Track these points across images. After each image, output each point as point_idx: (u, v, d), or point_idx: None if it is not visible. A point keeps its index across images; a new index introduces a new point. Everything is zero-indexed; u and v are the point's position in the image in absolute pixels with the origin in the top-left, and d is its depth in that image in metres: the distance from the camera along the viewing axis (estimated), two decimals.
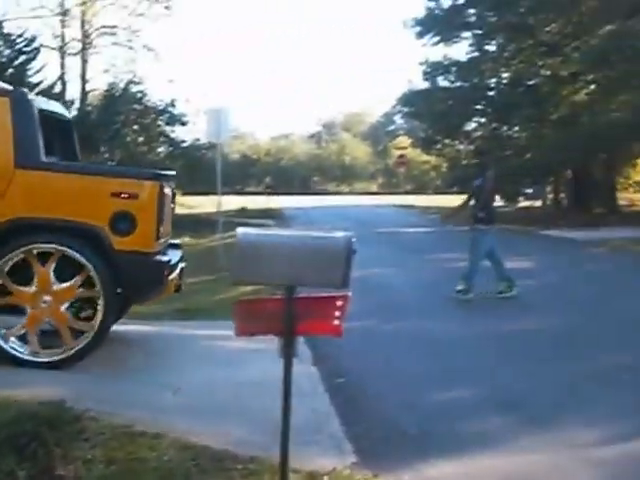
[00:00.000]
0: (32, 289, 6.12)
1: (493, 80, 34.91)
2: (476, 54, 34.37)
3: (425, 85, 34.44)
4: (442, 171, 47.97)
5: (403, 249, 18.50)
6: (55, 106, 7.64)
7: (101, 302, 6.11)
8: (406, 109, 37.64)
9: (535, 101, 30.93)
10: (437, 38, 33.64)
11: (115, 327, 6.96)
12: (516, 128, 34.82)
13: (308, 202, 39.70)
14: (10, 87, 6.70)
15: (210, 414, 5.25)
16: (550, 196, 36.62)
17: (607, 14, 26.96)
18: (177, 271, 6.84)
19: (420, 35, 33.75)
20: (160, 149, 25.97)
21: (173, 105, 29.25)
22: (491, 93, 33.47)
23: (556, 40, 32.80)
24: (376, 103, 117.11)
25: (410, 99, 35.06)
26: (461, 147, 36.92)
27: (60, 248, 6.05)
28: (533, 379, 6.57)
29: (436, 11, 33.41)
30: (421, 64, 34.07)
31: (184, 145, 29.83)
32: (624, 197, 38.93)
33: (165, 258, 6.51)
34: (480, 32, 33.89)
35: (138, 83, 26.64)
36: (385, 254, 16.82)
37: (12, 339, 6.15)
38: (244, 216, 28.35)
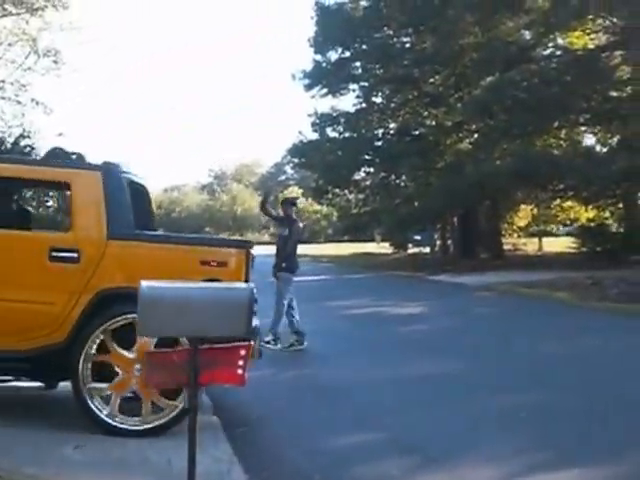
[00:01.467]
0: (130, 355, 6.08)
1: (380, 130, 35.89)
2: (363, 105, 35.36)
3: (314, 136, 35.08)
4: (333, 220, 48.65)
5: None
6: (136, 176, 7.69)
7: None
8: (296, 160, 38.22)
9: (421, 150, 31.93)
10: (325, 90, 34.45)
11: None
12: (404, 177, 35.77)
13: None
14: (100, 163, 6.71)
15: (113, 467, 5.22)
16: (438, 242, 37.67)
17: (488, 66, 28.16)
18: (258, 337, 6.86)
19: (309, 87, 34.48)
20: (49, 203, 25.48)
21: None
22: (379, 143, 34.34)
23: (440, 91, 34.07)
24: (266, 154, 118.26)
25: (300, 150, 35.61)
26: (351, 196, 37.63)
27: None
28: (432, 422, 6.76)
29: (323, 64, 34.22)
30: (310, 115, 34.74)
31: None
32: (509, 242, 40.40)
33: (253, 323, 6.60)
34: (366, 84, 34.89)
35: (27, 137, 26.18)
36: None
37: (97, 398, 6.12)
38: None
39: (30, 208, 8.17)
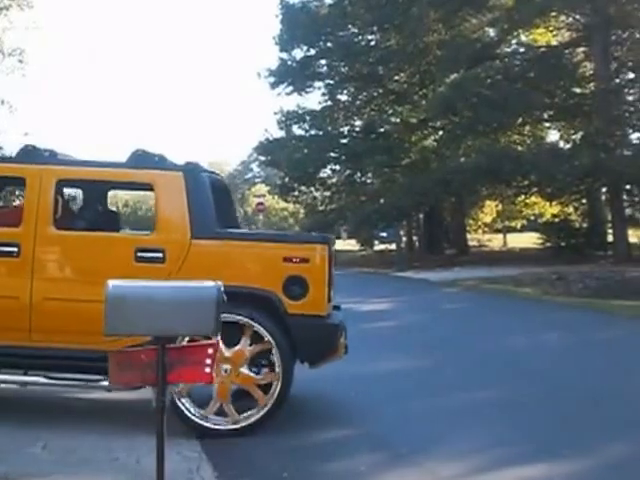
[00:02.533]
0: (227, 353, 6.13)
1: (346, 128, 36.00)
2: (329, 103, 35.45)
3: (281, 134, 35.08)
4: (300, 217, 48.68)
5: None
6: (217, 175, 7.75)
7: (279, 371, 6.16)
8: (262, 157, 38.14)
9: (387, 147, 32.05)
10: (291, 88, 34.48)
11: None
12: (369, 174, 35.88)
13: None
14: (182, 163, 6.76)
15: (82, 466, 5.21)
16: (404, 239, 37.87)
17: (452, 63, 28.32)
18: (344, 332, 6.83)
19: (274, 85, 34.48)
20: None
21: None
22: (344, 141, 34.42)
23: (405, 89, 34.25)
24: (233, 152, 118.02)
25: (266, 148, 35.56)
26: (317, 194, 37.68)
27: (242, 319, 6.13)
28: (402, 417, 6.80)
29: (289, 62, 34.24)
30: (276, 113, 34.76)
31: None
32: (474, 238, 40.72)
33: (335, 320, 6.56)
34: (332, 82, 34.97)
35: None
36: None
37: (211, 416, 6.16)
38: None
39: (116, 209, 8.29)
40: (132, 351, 4.02)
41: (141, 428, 5.95)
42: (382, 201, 32.02)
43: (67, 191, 7.79)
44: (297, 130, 35.04)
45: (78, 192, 8.22)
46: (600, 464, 5.42)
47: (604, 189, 27.75)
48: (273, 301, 6.21)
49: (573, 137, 30.28)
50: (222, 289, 4.02)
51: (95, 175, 6.74)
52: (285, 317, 6.21)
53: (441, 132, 32.94)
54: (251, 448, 5.94)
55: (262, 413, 6.21)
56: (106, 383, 6.08)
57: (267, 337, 6.16)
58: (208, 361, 3.99)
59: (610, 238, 28.17)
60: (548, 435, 6.06)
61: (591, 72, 27.96)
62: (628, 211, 28.51)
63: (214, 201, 6.64)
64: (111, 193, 8.44)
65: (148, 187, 6.62)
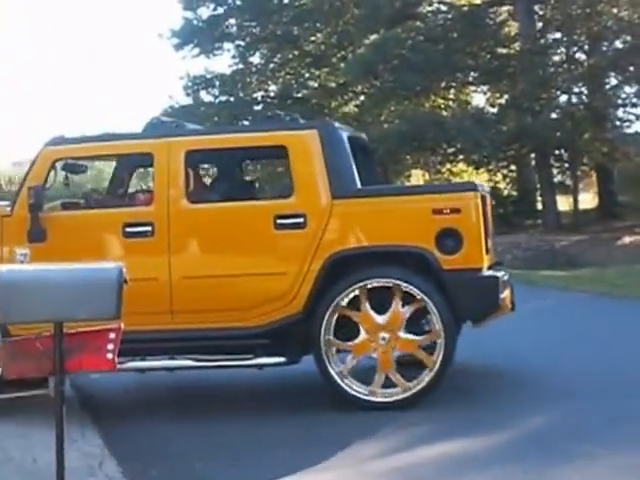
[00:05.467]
0: (380, 319, 6.23)
1: (260, 93, 35.73)
2: (240, 66, 35.09)
3: (187, 101, 34.61)
4: None
5: None
6: (353, 130, 7.68)
7: (441, 334, 6.17)
8: None
9: (304, 114, 32.00)
10: (197, 50, 33.96)
11: None
12: None
13: None
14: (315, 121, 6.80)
15: None
16: None
17: (371, 23, 28.42)
18: (508, 287, 6.82)
19: (178, 47, 33.92)
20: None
21: None
22: (258, 107, 34.21)
23: (322, 50, 34.22)
24: (134, 121, 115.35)
25: (171, 116, 34.61)
26: None
27: (394, 281, 6.15)
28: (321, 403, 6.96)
29: (194, 21, 33.73)
30: (181, 78, 34.24)
31: None
32: None
33: (496, 273, 6.52)
34: (242, 43, 34.64)
35: None
36: None
37: (349, 378, 6.24)
38: None
39: (251, 176, 8.37)
40: (26, 339, 4.05)
41: (35, 424, 5.94)
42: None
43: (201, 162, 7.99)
44: (206, 96, 34.64)
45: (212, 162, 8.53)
46: None
47: (533, 155, 28.36)
48: (426, 258, 6.22)
49: (499, 101, 30.84)
50: (123, 270, 4.07)
51: (225, 142, 6.86)
52: (440, 273, 6.23)
53: (362, 97, 33.11)
54: (158, 438, 6.01)
55: (432, 375, 6.26)
56: (258, 361, 6.36)
57: (421, 296, 6.18)
58: (110, 346, 4.05)
59: (540, 206, 28.86)
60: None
61: (516, 32, 28.47)
62: (559, 178, 29.23)
63: (354, 158, 6.66)
64: None
65: (281, 149, 6.65)
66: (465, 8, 28.91)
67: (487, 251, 6.52)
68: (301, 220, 6.38)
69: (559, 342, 8.96)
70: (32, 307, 3.85)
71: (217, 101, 34.43)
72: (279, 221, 6.41)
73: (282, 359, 6.45)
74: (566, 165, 28.35)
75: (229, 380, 7.57)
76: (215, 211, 6.70)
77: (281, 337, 6.45)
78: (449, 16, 29.06)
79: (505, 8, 29.21)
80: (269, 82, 36.29)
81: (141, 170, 8.92)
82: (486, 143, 25.10)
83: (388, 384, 6.37)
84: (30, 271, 4.06)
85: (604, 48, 26.76)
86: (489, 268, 6.64)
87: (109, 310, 3.97)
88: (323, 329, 6.28)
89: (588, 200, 32.54)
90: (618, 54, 25.50)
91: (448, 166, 31.99)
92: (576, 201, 28.28)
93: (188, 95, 34.56)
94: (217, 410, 6.89)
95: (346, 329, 6.40)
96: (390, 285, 6.25)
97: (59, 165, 6.87)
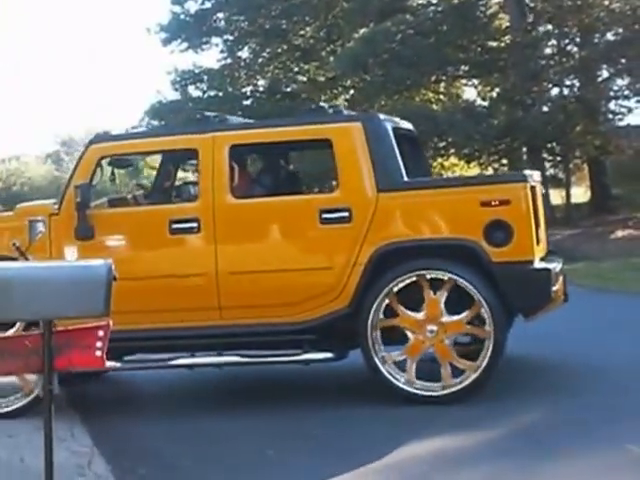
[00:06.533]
0: (419, 316, 6.24)
1: (249, 88, 35.66)
2: (228, 61, 35.01)
3: (175, 96, 34.53)
4: None
5: None
6: (402, 123, 7.64)
7: (489, 326, 6.20)
8: (155, 122, 37.51)
9: (294, 108, 31.99)
10: (185, 45, 33.89)
11: None
12: None
13: None
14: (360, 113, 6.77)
15: None
16: None
17: (360, 16, 28.43)
18: (561, 278, 6.79)
19: (166, 42, 33.85)
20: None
21: None
22: (247, 102, 34.17)
23: (311, 44, 34.18)
24: (121, 116, 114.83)
25: (159, 111, 34.87)
26: None
27: (442, 274, 6.18)
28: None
29: (182, 16, 33.67)
30: (169, 73, 34.16)
31: None
32: None
33: (547, 265, 6.51)
34: (231, 38, 34.57)
35: None
36: None
37: (390, 363, 6.27)
38: None
39: (295, 171, 8.39)
40: (14, 337, 4.07)
41: (22, 423, 5.95)
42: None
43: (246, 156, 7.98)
44: (194, 91, 34.56)
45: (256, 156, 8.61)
46: None
47: (525, 148, 28.39)
48: (475, 250, 6.24)
49: (490, 94, 30.86)
50: (112, 267, 4.09)
51: (269, 136, 6.88)
52: (489, 266, 6.23)
53: (352, 91, 33.08)
54: (148, 437, 6.03)
55: (478, 374, 6.26)
56: (307, 357, 6.41)
57: (470, 289, 6.21)
58: (99, 344, 4.07)
59: None
60: None
61: (507, 25, 28.48)
62: (551, 171, 29.26)
63: (400, 150, 6.66)
64: None
65: (326, 142, 6.67)
66: (455, 1, 28.86)
67: (538, 242, 6.53)
68: (346, 214, 6.43)
69: (557, 337, 8.97)
70: (21, 304, 3.86)
71: (205, 96, 34.34)
72: (324, 215, 6.47)
73: (330, 355, 6.49)
74: (558, 158, 28.39)
75: (218, 378, 7.59)
76: (260, 206, 6.78)
77: (329, 332, 6.50)
78: (439, 9, 29.06)
79: (495, 1, 29.21)
80: (258, 77, 36.20)
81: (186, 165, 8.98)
82: (477, 137, 25.13)
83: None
84: (19, 268, 4.07)
85: (596, 40, 26.74)
86: (542, 259, 6.66)
87: (98, 308, 3.98)
88: (370, 325, 6.31)
89: (581, 194, 32.57)
90: (610, 46, 25.49)
91: (439, 160, 32.01)
92: (569, 195, 28.32)
93: (176, 90, 34.50)
94: (207, 408, 6.91)
95: (390, 333, 6.45)
96: (440, 277, 6.29)
97: (105, 162, 7.00)
